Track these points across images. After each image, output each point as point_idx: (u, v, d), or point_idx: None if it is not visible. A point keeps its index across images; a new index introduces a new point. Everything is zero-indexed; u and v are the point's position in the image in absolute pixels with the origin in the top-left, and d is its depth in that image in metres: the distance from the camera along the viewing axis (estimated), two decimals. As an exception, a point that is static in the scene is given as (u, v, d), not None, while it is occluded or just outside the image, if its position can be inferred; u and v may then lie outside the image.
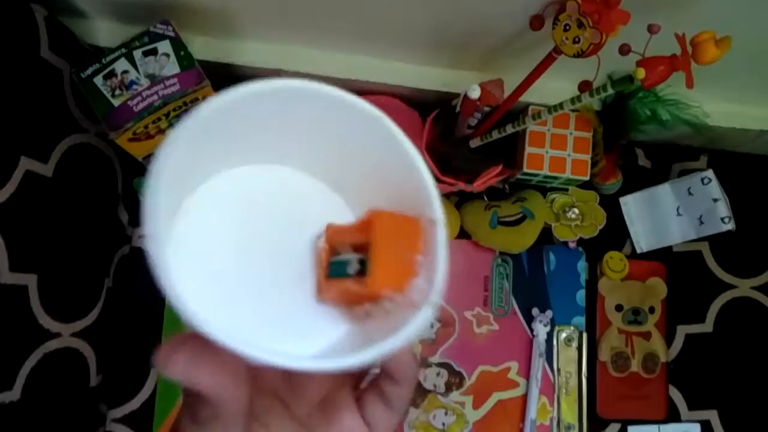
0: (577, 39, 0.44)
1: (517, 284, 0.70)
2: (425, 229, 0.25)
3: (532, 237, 0.68)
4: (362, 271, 0.25)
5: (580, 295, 0.71)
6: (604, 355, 0.69)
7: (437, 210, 0.25)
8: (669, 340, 0.72)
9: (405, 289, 0.24)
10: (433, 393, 0.67)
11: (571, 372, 0.68)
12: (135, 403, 0.64)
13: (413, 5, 0.53)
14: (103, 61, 0.52)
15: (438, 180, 0.65)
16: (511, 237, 0.68)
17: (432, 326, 0.68)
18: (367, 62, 0.63)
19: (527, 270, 0.70)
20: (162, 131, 0.56)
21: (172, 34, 0.53)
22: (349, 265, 0.25)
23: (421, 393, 0.67)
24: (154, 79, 0.53)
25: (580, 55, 0.45)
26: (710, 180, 0.68)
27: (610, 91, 0.45)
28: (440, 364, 0.67)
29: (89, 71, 0.52)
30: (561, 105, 0.50)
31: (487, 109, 0.60)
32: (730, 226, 0.67)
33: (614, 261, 0.70)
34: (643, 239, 0.74)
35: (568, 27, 0.45)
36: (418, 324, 0.23)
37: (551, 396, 0.68)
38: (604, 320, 0.70)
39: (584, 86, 0.48)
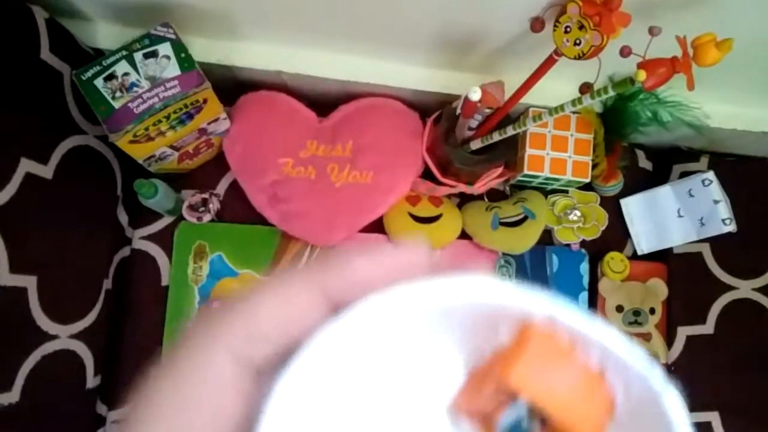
0: (578, 41, 0.44)
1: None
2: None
3: (534, 237, 0.68)
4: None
5: (583, 298, 0.70)
6: (604, 356, 0.69)
7: None
8: (669, 341, 0.72)
9: None
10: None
11: (571, 374, 0.68)
12: (135, 405, 0.64)
13: (414, 8, 0.52)
14: (104, 63, 0.52)
15: (439, 182, 0.65)
16: (512, 238, 0.68)
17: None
18: (368, 64, 0.63)
19: (530, 271, 0.70)
20: (162, 133, 0.56)
21: (172, 36, 0.53)
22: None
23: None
24: (154, 81, 0.53)
25: (580, 57, 0.45)
26: (711, 181, 0.68)
27: (611, 93, 0.45)
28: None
29: (90, 73, 0.52)
30: (562, 107, 0.50)
31: (487, 111, 0.60)
32: (730, 227, 0.67)
33: (615, 262, 0.70)
34: (643, 240, 0.74)
35: (569, 29, 0.45)
36: None
37: (552, 398, 0.67)
38: (604, 322, 0.70)
39: (585, 89, 0.48)
